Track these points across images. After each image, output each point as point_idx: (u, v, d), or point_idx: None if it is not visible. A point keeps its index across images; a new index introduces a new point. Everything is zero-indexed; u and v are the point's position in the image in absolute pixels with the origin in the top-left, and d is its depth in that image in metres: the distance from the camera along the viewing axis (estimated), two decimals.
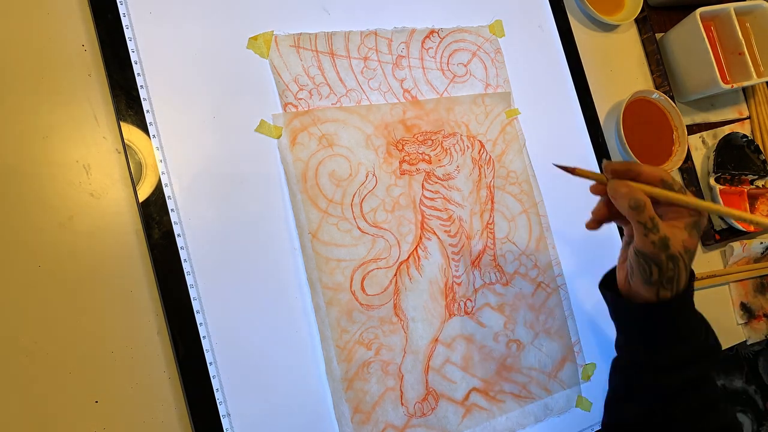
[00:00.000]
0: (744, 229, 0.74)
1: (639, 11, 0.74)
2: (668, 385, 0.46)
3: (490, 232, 0.59)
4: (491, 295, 0.57)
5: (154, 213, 0.47)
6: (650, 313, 0.46)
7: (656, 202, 0.46)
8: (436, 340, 0.54)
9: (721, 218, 0.75)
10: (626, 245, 0.49)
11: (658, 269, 0.44)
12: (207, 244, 0.48)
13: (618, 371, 0.50)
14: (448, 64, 0.61)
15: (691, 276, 0.48)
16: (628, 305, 0.47)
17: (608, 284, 0.51)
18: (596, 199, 0.50)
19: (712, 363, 0.47)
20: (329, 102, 0.54)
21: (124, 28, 0.49)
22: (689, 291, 0.46)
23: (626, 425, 0.48)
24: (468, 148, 0.59)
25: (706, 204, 0.45)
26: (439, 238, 0.56)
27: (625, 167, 0.46)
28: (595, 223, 0.50)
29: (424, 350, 0.53)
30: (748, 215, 0.45)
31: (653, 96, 0.73)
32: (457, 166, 0.58)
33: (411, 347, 0.53)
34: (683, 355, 0.46)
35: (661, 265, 0.44)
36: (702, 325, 0.48)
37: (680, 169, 0.76)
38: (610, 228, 0.66)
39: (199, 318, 0.47)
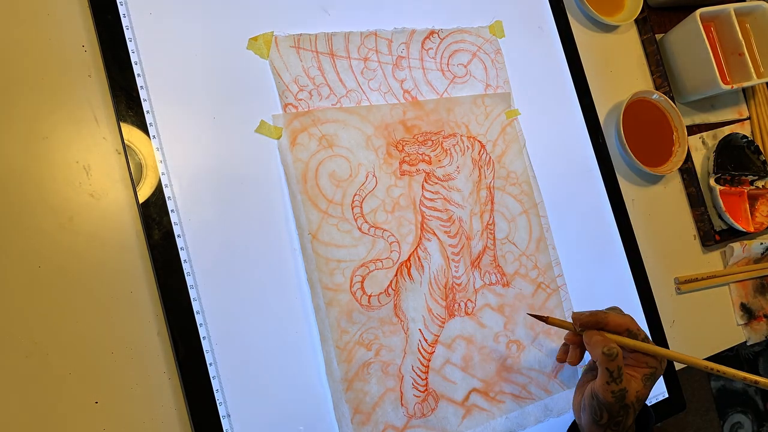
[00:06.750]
0: (744, 230, 0.74)
1: (639, 12, 0.74)
2: None
3: (490, 233, 0.59)
4: (491, 295, 0.57)
5: (154, 214, 0.47)
6: None
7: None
8: (437, 340, 0.54)
9: (721, 218, 0.75)
10: (588, 370, 0.53)
11: (609, 414, 0.47)
12: (207, 244, 0.48)
13: None
14: (448, 64, 0.61)
15: (649, 418, 0.51)
16: None
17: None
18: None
19: None
20: (329, 103, 0.54)
21: (124, 28, 0.49)
22: None
23: None
24: (468, 148, 0.59)
25: (667, 352, 0.49)
26: (439, 239, 0.56)
27: (593, 318, 0.50)
28: (564, 359, 0.55)
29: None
30: (708, 364, 0.47)
31: (653, 97, 0.73)
32: (457, 167, 0.58)
33: (411, 348, 0.53)
34: None
35: (612, 412, 0.47)
36: None
37: (680, 169, 0.76)
38: (611, 230, 0.66)
39: (199, 319, 0.47)
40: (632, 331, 0.49)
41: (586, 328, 0.51)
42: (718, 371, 0.46)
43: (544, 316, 0.53)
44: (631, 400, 0.47)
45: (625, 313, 0.51)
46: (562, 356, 0.55)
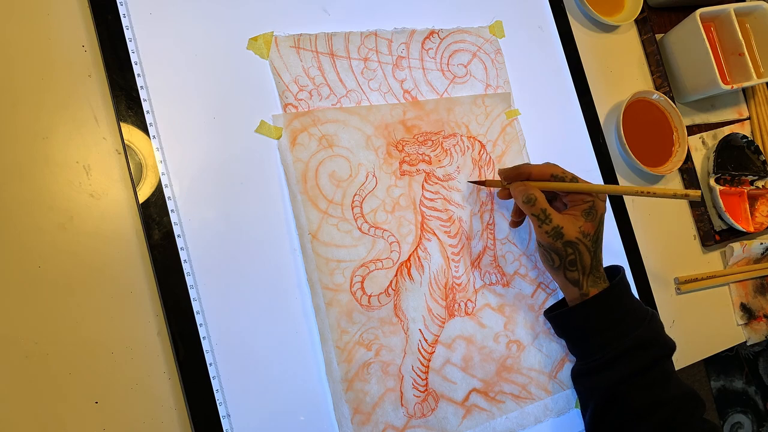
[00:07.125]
0: (744, 230, 0.74)
1: (639, 12, 0.74)
2: (604, 385, 0.50)
3: (490, 233, 0.59)
4: (491, 295, 0.57)
5: (154, 214, 0.47)
6: (572, 312, 0.52)
7: (557, 196, 0.54)
8: (437, 340, 0.54)
9: (721, 218, 0.75)
10: None
11: (558, 255, 0.50)
12: (207, 244, 0.48)
13: (574, 385, 0.56)
14: (448, 64, 0.61)
15: (616, 271, 0.54)
16: (559, 315, 0.54)
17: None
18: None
19: (644, 355, 0.50)
20: (329, 103, 0.54)
21: (124, 28, 0.49)
22: (612, 289, 0.51)
23: None
24: (468, 148, 0.59)
25: (595, 186, 0.51)
26: (439, 239, 0.56)
27: (515, 170, 0.54)
28: (513, 224, 0.59)
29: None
30: (636, 188, 0.50)
31: (653, 97, 0.73)
32: (458, 167, 0.58)
33: (411, 348, 0.53)
34: (612, 351, 0.50)
35: (558, 252, 0.50)
36: (634, 319, 0.51)
37: (680, 169, 0.76)
38: (611, 230, 0.66)
39: (199, 319, 0.47)
40: (557, 175, 0.52)
41: (512, 181, 0.53)
42: (649, 193, 0.49)
43: (482, 180, 0.57)
44: (574, 235, 0.49)
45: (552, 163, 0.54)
46: (511, 223, 0.59)
